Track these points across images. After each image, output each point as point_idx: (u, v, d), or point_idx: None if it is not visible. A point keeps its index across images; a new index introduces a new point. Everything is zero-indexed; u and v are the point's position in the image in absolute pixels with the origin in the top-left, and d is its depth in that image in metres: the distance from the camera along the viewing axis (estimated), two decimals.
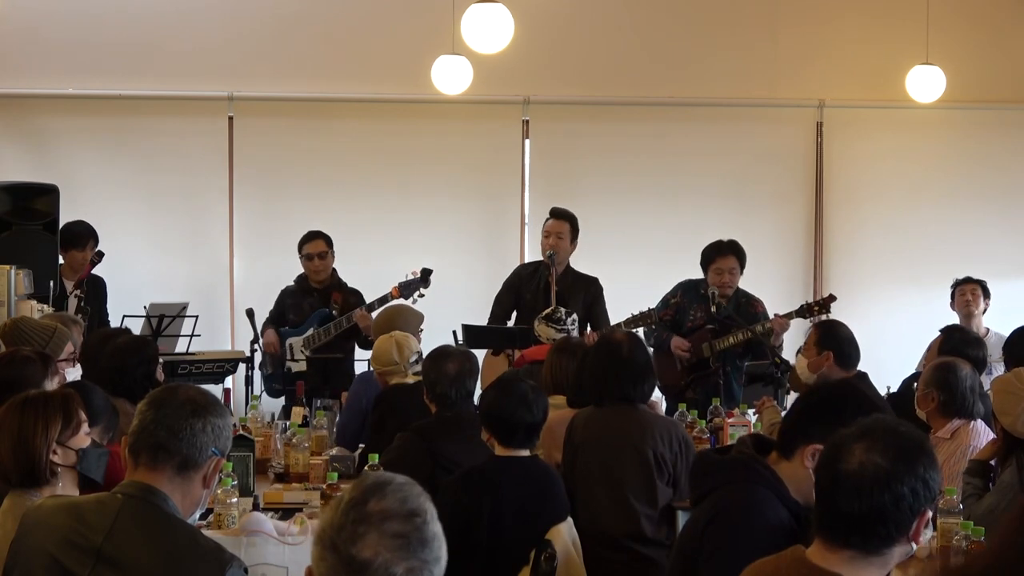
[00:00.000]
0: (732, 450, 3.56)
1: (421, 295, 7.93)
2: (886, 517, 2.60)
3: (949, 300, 8.50)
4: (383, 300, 7.96)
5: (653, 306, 7.69)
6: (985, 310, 8.40)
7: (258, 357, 8.29)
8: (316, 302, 8.31)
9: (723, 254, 7.75)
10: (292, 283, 8.47)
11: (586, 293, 8.00)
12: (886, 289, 9.88)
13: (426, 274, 7.99)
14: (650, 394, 5.46)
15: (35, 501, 3.29)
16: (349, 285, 8.39)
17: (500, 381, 4.90)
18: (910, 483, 2.60)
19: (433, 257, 9.57)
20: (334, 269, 8.43)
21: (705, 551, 3.37)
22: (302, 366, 8.08)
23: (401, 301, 7.77)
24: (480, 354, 7.59)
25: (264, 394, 8.32)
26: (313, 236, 8.40)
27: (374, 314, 7.70)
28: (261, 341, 8.27)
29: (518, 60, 9.09)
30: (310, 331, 8.18)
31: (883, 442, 2.63)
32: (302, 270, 8.52)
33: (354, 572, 2.21)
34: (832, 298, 7.76)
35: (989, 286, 8.47)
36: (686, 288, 7.93)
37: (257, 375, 8.26)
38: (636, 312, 7.58)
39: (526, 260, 9.34)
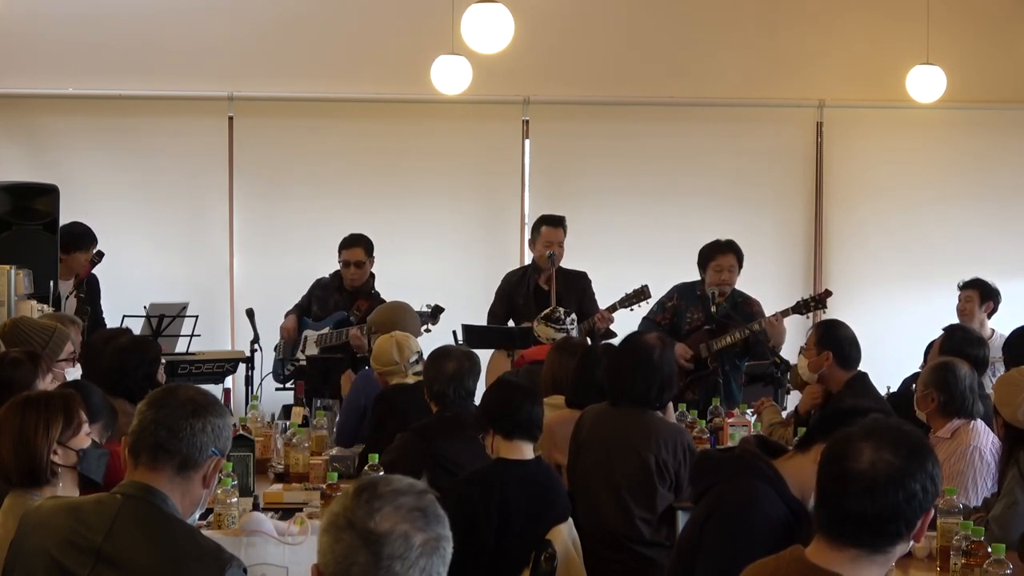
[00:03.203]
0: (736, 449, 3.58)
1: (428, 330, 7.77)
2: (898, 515, 2.58)
3: (955, 301, 8.48)
4: None
5: (646, 285, 7.75)
6: (992, 311, 8.33)
7: (258, 357, 8.29)
8: (341, 302, 8.26)
9: (723, 252, 7.77)
10: (327, 276, 8.42)
11: (577, 287, 8.05)
12: (886, 289, 9.87)
13: (437, 311, 7.89)
14: (667, 403, 5.44)
15: (35, 501, 3.29)
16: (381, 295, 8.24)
17: (495, 382, 4.98)
18: (921, 480, 2.59)
19: (433, 257, 9.61)
20: (372, 274, 8.32)
21: (704, 543, 3.38)
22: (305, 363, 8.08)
23: (396, 331, 7.69)
24: (485, 356, 7.62)
25: (270, 377, 8.38)
26: (353, 242, 8.26)
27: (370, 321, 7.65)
28: (280, 325, 8.31)
29: (518, 60, 9.08)
30: (325, 329, 8.18)
31: (892, 440, 2.62)
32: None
33: (373, 545, 2.21)
34: (828, 293, 7.78)
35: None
36: (682, 290, 7.93)
37: (257, 375, 8.27)
38: (629, 291, 7.63)
39: (526, 260, 9.35)
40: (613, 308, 7.77)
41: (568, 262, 8.23)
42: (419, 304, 7.77)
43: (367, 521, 2.22)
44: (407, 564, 2.21)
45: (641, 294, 7.68)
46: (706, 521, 3.40)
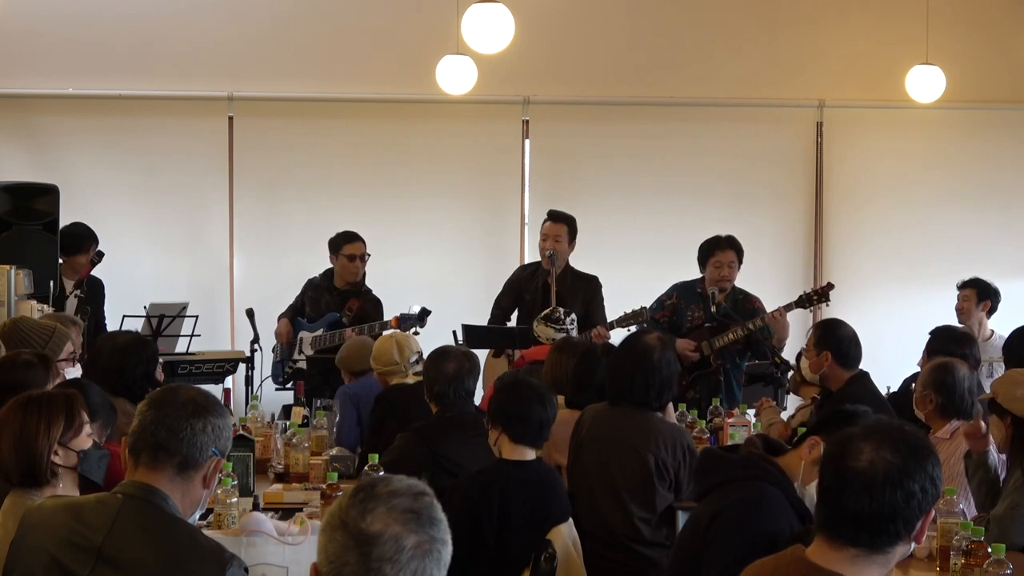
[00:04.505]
0: (741, 449, 3.58)
1: (416, 332, 7.73)
2: (896, 514, 2.59)
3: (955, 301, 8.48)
4: (383, 326, 7.93)
5: (647, 304, 7.69)
6: (990, 311, 8.32)
7: (258, 357, 8.29)
8: (333, 302, 8.27)
9: (722, 248, 7.75)
10: (317, 276, 8.43)
11: (585, 291, 8.01)
12: (886, 289, 9.88)
13: (424, 314, 7.88)
14: (667, 403, 5.43)
15: (35, 501, 3.29)
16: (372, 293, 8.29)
17: (512, 380, 4.92)
18: (920, 480, 2.60)
19: (433, 257, 9.61)
20: (364, 272, 8.37)
21: (708, 546, 3.37)
22: (304, 363, 8.08)
23: (396, 331, 7.65)
24: (481, 356, 7.60)
25: (269, 380, 8.38)
26: (353, 237, 8.30)
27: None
28: (274, 330, 8.33)
29: (518, 60, 9.09)
30: (319, 331, 8.19)
31: (892, 440, 2.63)
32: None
33: (364, 545, 2.20)
34: (830, 286, 7.78)
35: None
36: (682, 289, 7.91)
37: (257, 375, 8.27)
38: (628, 310, 7.59)
39: (526, 260, 9.35)
40: (610, 326, 7.72)
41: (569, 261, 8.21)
42: (408, 306, 7.82)
43: (359, 521, 2.21)
44: (397, 567, 2.20)
45: (638, 315, 7.62)
46: (711, 523, 3.39)
